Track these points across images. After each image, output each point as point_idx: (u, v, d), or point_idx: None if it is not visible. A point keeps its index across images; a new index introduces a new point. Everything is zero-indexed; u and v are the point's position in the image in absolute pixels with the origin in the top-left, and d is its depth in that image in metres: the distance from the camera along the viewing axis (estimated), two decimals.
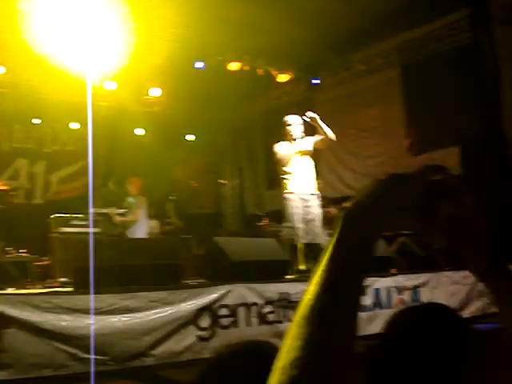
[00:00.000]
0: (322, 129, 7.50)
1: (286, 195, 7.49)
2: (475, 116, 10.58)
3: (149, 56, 11.43)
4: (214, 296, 5.37)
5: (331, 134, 7.58)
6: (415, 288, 7.05)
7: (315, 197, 7.63)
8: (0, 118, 12.98)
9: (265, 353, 1.18)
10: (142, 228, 9.98)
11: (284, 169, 7.58)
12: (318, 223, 7.55)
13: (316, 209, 7.56)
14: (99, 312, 4.73)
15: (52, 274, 9.04)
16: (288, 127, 7.63)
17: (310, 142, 7.65)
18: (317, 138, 7.60)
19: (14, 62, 11.78)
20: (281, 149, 7.61)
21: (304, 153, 7.63)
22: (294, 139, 7.61)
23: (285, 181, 7.57)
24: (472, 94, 10.62)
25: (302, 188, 7.52)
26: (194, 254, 10.57)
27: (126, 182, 10.29)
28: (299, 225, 7.35)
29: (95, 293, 4.87)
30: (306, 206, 7.46)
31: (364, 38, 12.02)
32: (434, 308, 1.35)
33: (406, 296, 6.95)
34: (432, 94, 11.38)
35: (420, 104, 11.75)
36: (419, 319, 1.30)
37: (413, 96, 11.99)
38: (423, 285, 7.14)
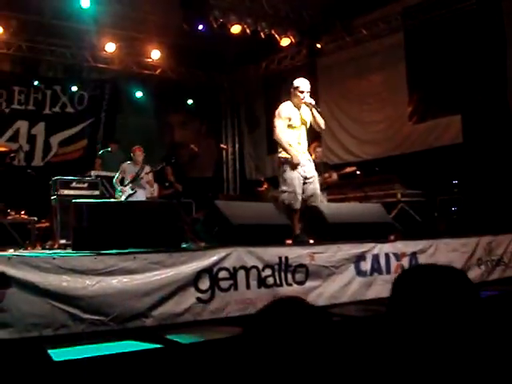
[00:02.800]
0: (315, 116, 7.46)
1: (284, 160, 7.44)
2: (479, 83, 10.52)
3: (150, 17, 11.31)
4: (213, 259, 5.37)
5: (321, 123, 7.55)
6: (414, 254, 7.06)
7: (311, 162, 7.61)
8: (1, 79, 12.90)
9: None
10: (143, 194, 10.12)
11: (282, 134, 7.48)
12: (317, 185, 7.53)
13: (313, 172, 7.53)
14: (99, 273, 4.74)
15: (52, 235, 9.09)
16: (300, 94, 7.38)
17: (309, 113, 7.56)
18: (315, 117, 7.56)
19: (12, 22, 11.70)
20: (286, 111, 7.47)
21: (304, 121, 7.59)
22: (301, 105, 7.50)
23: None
24: (476, 61, 10.54)
25: (299, 153, 7.45)
26: (194, 218, 10.61)
27: (132, 150, 10.36)
28: (298, 189, 7.34)
29: (95, 254, 4.89)
30: (304, 171, 7.44)
31: (368, 3, 11.88)
32: (448, 269, 1.36)
33: (405, 262, 6.96)
34: (436, 60, 11.28)
35: (423, 70, 11.65)
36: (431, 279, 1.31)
37: (416, 62, 11.88)
38: (422, 251, 7.13)
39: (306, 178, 7.41)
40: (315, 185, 7.48)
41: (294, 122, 7.42)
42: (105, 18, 11.42)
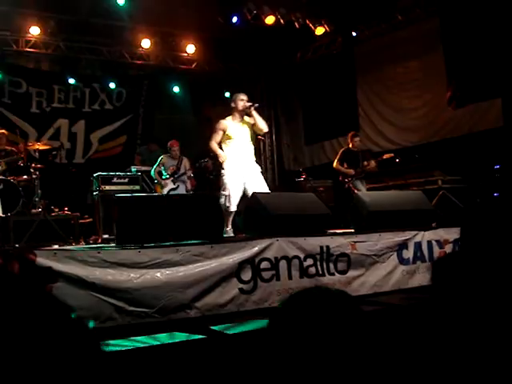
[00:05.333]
0: (255, 119, 7.92)
1: (225, 164, 7.79)
2: None
3: (184, 11, 11.35)
4: (255, 249, 5.40)
5: (263, 126, 8.06)
6: (457, 241, 6.97)
7: (255, 165, 8.00)
8: (41, 78, 13.11)
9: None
10: (184, 189, 10.25)
11: (225, 139, 7.89)
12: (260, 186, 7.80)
13: (257, 175, 7.92)
14: (143, 266, 4.82)
15: (95, 231, 9.24)
16: (241, 102, 7.89)
17: (250, 121, 8.00)
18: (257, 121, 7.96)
19: (49, 23, 11.88)
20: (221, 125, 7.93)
21: (247, 123, 7.99)
22: (242, 114, 7.94)
23: (224, 150, 7.89)
24: None
25: (242, 158, 7.82)
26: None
27: (168, 145, 10.52)
28: (234, 193, 7.60)
29: (139, 248, 4.96)
30: (245, 175, 7.73)
31: None
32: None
33: (448, 249, 6.89)
34: (473, 43, 11.07)
35: (461, 54, 11.45)
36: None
37: (453, 46, 11.67)
38: None
39: (245, 183, 7.70)
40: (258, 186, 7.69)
41: (230, 133, 7.84)
42: (140, 14, 11.51)
